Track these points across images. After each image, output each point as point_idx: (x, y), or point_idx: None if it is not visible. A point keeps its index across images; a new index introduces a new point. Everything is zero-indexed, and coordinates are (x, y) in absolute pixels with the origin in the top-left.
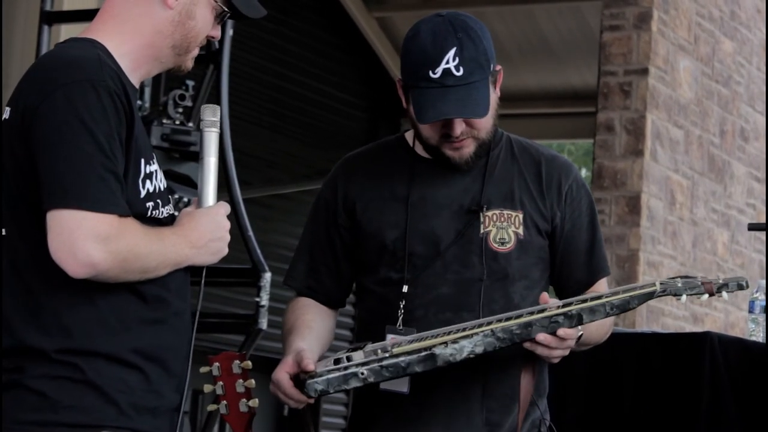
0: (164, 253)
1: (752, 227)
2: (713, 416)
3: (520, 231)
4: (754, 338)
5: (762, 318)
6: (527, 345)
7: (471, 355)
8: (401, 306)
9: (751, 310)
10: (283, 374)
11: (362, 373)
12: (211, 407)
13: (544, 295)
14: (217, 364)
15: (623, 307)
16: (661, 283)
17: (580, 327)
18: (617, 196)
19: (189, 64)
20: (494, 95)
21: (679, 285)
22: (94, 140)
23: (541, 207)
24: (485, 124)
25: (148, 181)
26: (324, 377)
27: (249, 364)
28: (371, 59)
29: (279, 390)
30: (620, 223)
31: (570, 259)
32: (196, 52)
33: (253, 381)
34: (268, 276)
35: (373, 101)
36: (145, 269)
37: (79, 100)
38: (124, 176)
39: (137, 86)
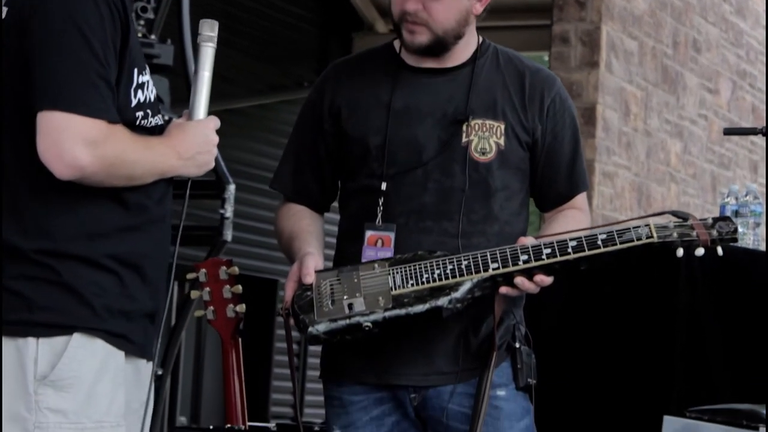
0: (151, 161)
1: (728, 132)
2: (690, 318)
3: (501, 141)
4: None
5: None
6: (503, 289)
7: (470, 301)
8: (380, 203)
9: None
10: (290, 288)
11: (367, 326)
12: (198, 313)
13: (522, 238)
14: (203, 270)
15: (620, 256)
16: (658, 235)
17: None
18: None
19: None
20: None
21: (675, 236)
22: (88, 47)
23: (522, 119)
24: (440, 15)
25: (139, 91)
26: (326, 324)
27: (236, 269)
28: None
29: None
30: None
31: (551, 171)
32: None
33: (240, 287)
34: (232, 188)
35: (324, 16)
36: (131, 176)
37: (77, 6)
38: (116, 84)
39: None
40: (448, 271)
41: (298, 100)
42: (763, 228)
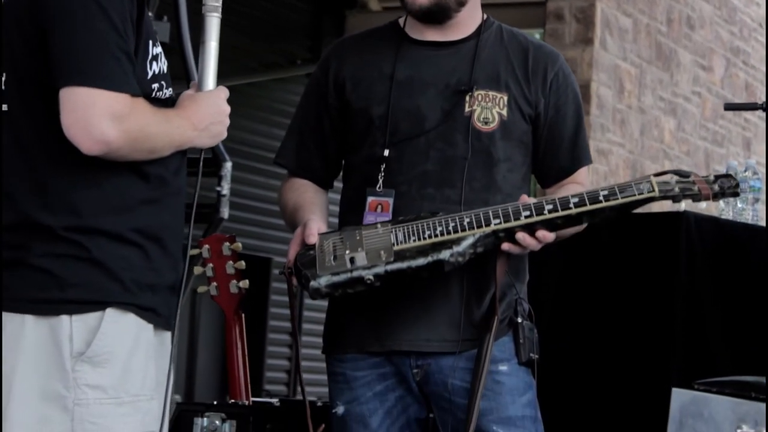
0: (170, 134)
1: (728, 107)
2: (690, 293)
3: (504, 112)
4: (724, 217)
5: (732, 198)
6: (505, 245)
7: (472, 256)
8: (381, 170)
9: None
10: (293, 249)
11: (369, 279)
12: (201, 289)
13: (524, 196)
14: (207, 246)
15: (623, 211)
16: (660, 189)
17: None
18: None
19: None
20: None
21: (677, 190)
22: (108, 19)
23: (526, 92)
24: None
25: (154, 63)
26: (328, 278)
27: (239, 246)
28: None
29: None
30: None
31: (554, 145)
32: None
33: (243, 263)
34: (229, 165)
35: None
36: (153, 149)
37: None
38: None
39: None
40: (450, 228)
41: (291, 79)
42: (762, 204)
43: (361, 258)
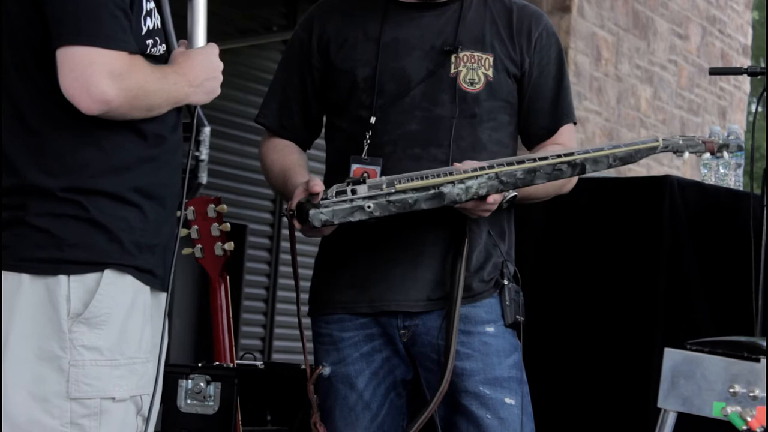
0: (167, 90)
1: (713, 72)
2: (673, 257)
3: (490, 73)
4: (707, 182)
5: (714, 163)
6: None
7: (474, 197)
8: (367, 137)
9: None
10: (296, 199)
11: (369, 207)
12: (186, 251)
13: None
14: (192, 208)
15: (626, 160)
16: (663, 140)
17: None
18: None
19: None
20: None
21: (681, 142)
22: None
23: (511, 51)
24: None
25: (148, 18)
26: (329, 208)
27: (224, 207)
28: None
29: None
30: None
31: (536, 105)
32: None
33: (228, 225)
34: (207, 130)
35: None
36: (151, 107)
37: None
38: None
39: None
40: (452, 172)
41: (266, 45)
42: (743, 169)
43: (362, 189)
